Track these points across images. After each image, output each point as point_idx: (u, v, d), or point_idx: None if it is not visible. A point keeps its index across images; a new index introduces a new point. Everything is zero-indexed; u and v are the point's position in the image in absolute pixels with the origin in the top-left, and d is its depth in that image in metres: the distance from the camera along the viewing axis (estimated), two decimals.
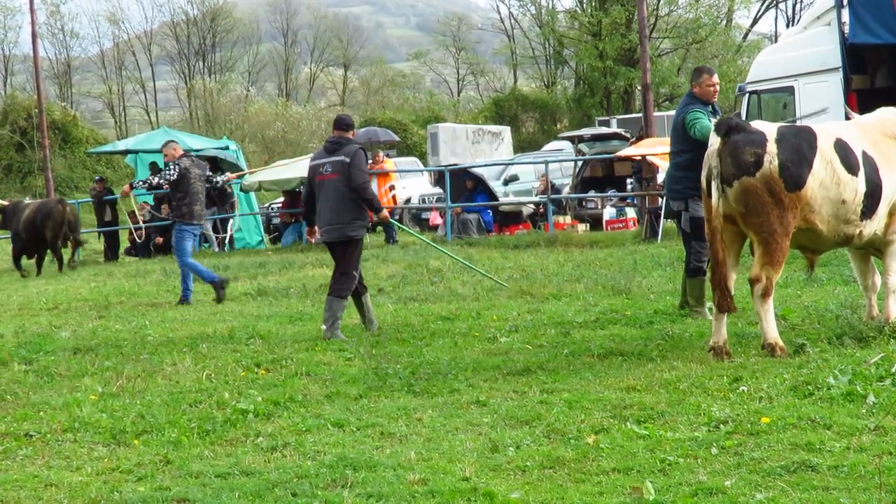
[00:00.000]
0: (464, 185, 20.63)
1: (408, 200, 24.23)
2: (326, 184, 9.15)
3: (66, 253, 18.48)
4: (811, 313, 8.42)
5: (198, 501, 4.60)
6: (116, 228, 22.17)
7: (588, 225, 20.35)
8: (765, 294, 6.88)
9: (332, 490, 4.67)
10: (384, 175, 20.96)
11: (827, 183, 6.87)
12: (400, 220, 21.19)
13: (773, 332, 6.94)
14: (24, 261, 18.41)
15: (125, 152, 26.10)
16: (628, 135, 23.75)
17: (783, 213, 6.78)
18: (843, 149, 6.97)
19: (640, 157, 18.57)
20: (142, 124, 55.31)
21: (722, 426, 5.25)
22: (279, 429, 5.87)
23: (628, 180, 20.89)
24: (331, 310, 9.06)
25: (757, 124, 7.08)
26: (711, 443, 4.98)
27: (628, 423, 5.44)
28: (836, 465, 4.52)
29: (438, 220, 21.83)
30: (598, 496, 4.39)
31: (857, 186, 6.95)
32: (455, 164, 22.82)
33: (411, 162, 30.16)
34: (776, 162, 6.76)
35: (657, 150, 17.15)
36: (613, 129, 27.16)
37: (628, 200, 20.99)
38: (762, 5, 49.82)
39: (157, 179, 12.27)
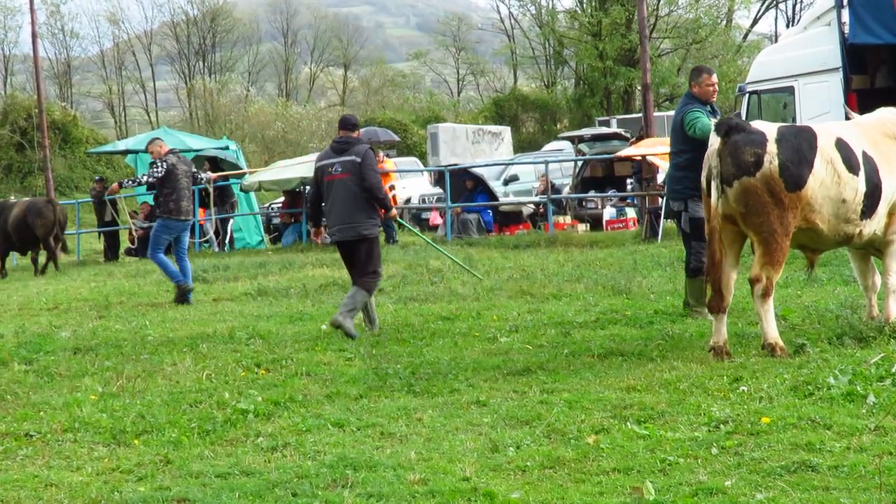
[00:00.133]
0: (464, 185, 20.64)
1: (408, 200, 24.23)
2: (336, 184, 9.12)
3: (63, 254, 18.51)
4: (811, 313, 8.42)
5: (198, 501, 4.61)
6: (117, 228, 22.18)
7: (588, 225, 20.36)
8: (765, 294, 6.89)
9: (332, 490, 4.67)
10: (384, 175, 20.90)
11: (828, 182, 6.88)
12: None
13: (773, 332, 6.94)
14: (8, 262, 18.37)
15: (125, 152, 26.13)
16: (628, 135, 23.73)
17: (783, 213, 6.78)
18: (843, 148, 6.98)
19: (640, 158, 18.57)
20: (142, 124, 55.33)
21: (722, 426, 5.25)
22: (279, 429, 5.87)
23: (628, 180, 20.89)
24: (353, 299, 9.03)
25: (757, 124, 7.08)
26: (711, 443, 4.98)
27: (628, 423, 5.44)
28: (836, 465, 4.52)
29: (438, 220, 21.83)
30: (598, 496, 4.39)
31: (857, 186, 6.95)
32: (455, 164, 22.83)
33: (411, 162, 30.14)
34: (776, 162, 6.77)
35: (657, 150, 17.14)
36: (613, 129, 27.14)
37: (628, 200, 20.99)
38: (762, 5, 49.88)
39: (145, 177, 12.31)
